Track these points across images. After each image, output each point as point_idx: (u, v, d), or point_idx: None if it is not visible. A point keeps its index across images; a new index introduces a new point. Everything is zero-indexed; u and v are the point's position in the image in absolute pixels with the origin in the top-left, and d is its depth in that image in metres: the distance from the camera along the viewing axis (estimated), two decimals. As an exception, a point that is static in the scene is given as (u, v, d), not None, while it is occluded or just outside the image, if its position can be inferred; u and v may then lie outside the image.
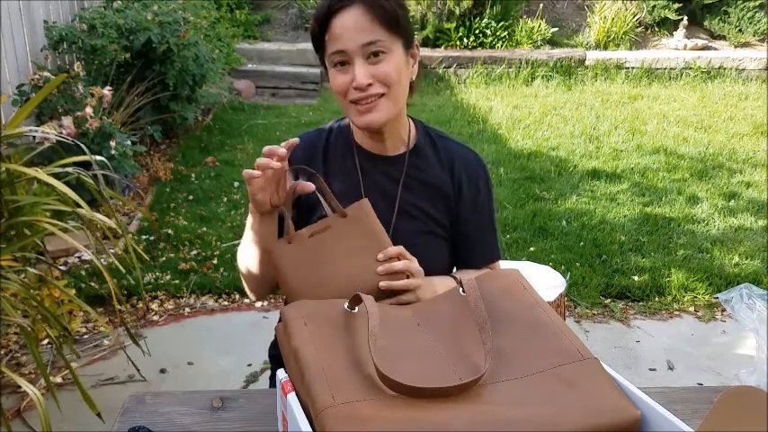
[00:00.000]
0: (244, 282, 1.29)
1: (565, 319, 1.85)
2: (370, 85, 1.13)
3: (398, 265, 1.08)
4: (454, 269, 1.36)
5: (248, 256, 1.23)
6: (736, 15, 7.30)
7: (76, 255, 3.10)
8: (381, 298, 1.05)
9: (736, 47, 7.34)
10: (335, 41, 1.13)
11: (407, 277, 1.09)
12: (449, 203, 1.28)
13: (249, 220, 1.19)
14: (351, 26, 1.11)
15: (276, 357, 1.39)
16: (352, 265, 1.08)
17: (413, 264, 1.10)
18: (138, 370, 2.33)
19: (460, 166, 1.29)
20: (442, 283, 1.18)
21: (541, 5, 7.50)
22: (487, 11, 6.97)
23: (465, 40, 6.94)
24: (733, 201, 4.05)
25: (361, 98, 1.15)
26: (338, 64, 1.15)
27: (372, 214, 1.12)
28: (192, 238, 3.39)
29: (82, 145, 2.19)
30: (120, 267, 2.27)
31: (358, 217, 1.11)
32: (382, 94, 1.15)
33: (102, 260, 2.90)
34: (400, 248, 1.10)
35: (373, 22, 1.11)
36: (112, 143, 3.30)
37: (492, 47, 6.98)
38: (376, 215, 1.13)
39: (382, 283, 1.07)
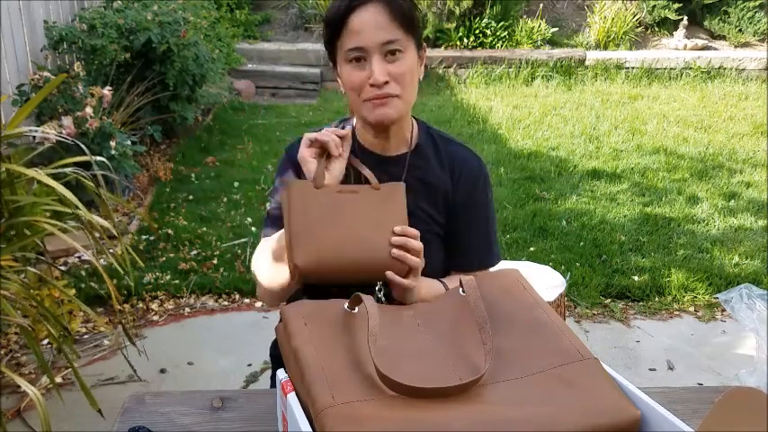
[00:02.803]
0: (259, 289, 1.28)
1: (565, 319, 1.85)
2: (386, 83, 1.15)
3: (414, 243, 1.09)
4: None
5: (268, 270, 1.21)
6: (736, 15, 7.29)
7: (76, 255, 3.10)
8: (380, 270, 1.07)
9: (736, 47, 7.33)
10: (354, 37, 1.14)
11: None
12: (447, 202, 1.28)
13: (275, 236, 1.19)
14: (371, 23, 1.13)
15: (277, 357, 1.39)
16: (368, 229, 1.09)
17: (421, 251, 1.11)
18: (135, 371, 2.33)
19: (461, 166, 1.29)
20: (431, 285, 1.20)
21: (541, 5, 7.49)
22: (487, 11, 6.96)
23: (465, 40, 6.93)
24: (733, 201, 4.05)
25: (376, 96, 1.16)
26: (354, 60, 1.16)
27: (403, 199, 1.14)
28: (192, 238, 3.39)
29: (82, 145, 2.19)
30: (119, 268, 2.27)
31: (389, 194, 1.14)
32: (397, 95, 1.17)
33: (101, 260, 2.90)
34: (418, 232, 1.11)
35: (392, 20, 1.13)
36: (112, 143, 3.30)
37: (492, 47, 6.98)
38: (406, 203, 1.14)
39: (395, 251, 1.08)
